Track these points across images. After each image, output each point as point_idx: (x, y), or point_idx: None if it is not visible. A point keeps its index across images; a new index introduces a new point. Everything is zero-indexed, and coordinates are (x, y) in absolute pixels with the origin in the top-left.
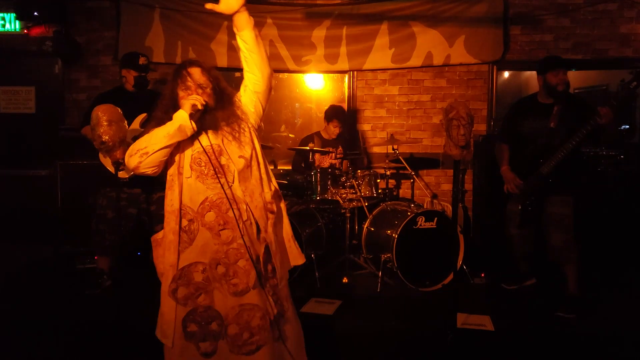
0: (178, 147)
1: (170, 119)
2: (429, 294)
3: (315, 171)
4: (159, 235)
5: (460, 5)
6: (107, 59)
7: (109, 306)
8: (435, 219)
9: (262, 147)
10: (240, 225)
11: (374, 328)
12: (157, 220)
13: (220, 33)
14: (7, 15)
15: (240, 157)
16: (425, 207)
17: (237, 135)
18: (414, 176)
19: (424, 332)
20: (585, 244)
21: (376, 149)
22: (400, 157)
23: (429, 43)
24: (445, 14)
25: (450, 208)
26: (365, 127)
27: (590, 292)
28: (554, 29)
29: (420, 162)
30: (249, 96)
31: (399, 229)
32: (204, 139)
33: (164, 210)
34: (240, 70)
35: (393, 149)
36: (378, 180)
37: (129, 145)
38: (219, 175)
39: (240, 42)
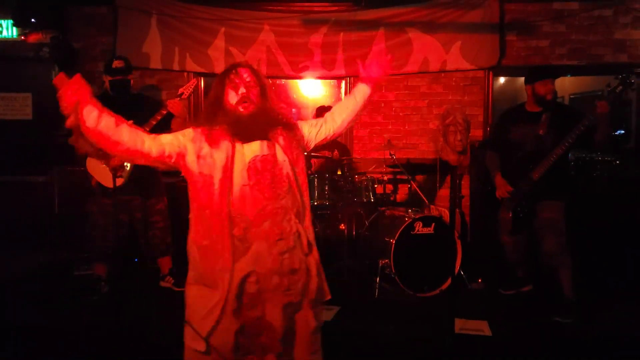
0: (226, 153)
1: (215, 121)
2: (427, 300)
3: (312, 176)
4: (203, 241)
5: (456, 11)
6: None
7: (107, 313)
8: (433, 224)
9: None
10: (294, 237)
11: (372, 334)
12: (150, 226)
13: (217, 39)
14: (4, 22)
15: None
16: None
17: (290, 150)
18: (411, 181)
19: (422, 338)
20: (581, 249)
21: (373, 154)
22: (397, 163)
23: (425, 49)
24: (441, 20)
25: (448, 213)
26: (362, 132)
27: (587, 296)
28: (550, 35)
29: (417, 168)
30: (312, 133)
31: (397, 235)
32: (258, 147)
33: (154, 218)
34: None
35: (390, 154)
36: (375, 186)
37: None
38: (275, 184)
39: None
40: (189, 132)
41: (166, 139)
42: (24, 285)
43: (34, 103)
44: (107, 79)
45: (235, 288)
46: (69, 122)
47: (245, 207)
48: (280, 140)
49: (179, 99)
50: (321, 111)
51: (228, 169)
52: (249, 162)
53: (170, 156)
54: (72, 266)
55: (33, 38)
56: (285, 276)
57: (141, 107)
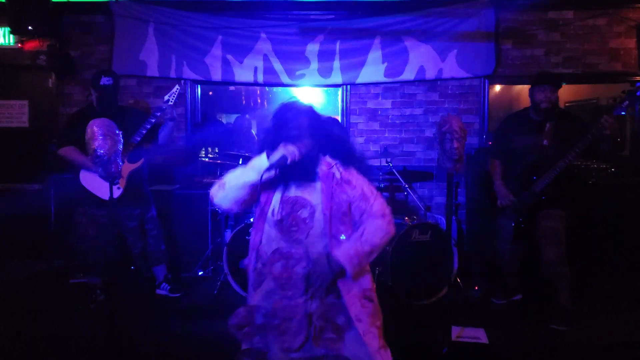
0: (268, 190)
1: None
2: (424, 307)
3: None
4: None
5: (452, 20)
6: None
7: (103, 321)
8: (430, 232)
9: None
10: (305, 285)
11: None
12: (138, 237)
13: (214, 47)
14: (1, 29)
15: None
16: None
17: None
18: (408, 189)
19: (418, 346)
20: (577, 256)
21: (370, 162)
22: (394, 170)
23: (422, 57)
24: (437, 28)
25: (444, 221)
26: (359, 140)
27: (583, 303)
28: (545, 44)
29: (414, 175)
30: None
31: (394, 242)
32: (288, 189)
33: (147, 226)
34: (234, 83)
35: (387, 162)
36: None
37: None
38: (293, 228)
39: None
40: None
41: None
42: (19, 293)
43: (30, 111)
44: (94, 93)
45: (245, 314)
46: None
47: (267, 244)
48: (319, 185)
49: (168, 105)
50: None
51: (265, 207)
52: (279, 203)
53: None
54: (68, 274)
55: (30, 46)
56: (285, 322)
57: (127, 119)
